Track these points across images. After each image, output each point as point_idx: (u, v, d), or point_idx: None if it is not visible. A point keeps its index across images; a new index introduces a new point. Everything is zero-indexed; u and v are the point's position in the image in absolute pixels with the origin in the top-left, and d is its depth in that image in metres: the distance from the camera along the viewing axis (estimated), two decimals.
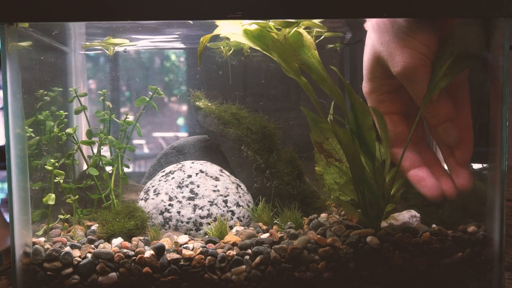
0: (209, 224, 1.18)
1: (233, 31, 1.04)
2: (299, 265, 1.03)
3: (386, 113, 1.11)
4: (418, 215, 1.14)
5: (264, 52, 1.05)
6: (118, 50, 1.52)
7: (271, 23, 1.04)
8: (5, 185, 1.72)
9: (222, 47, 1.42)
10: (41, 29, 1.18)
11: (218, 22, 1.05)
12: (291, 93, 1.61)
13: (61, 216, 1.16)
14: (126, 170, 1.33)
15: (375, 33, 1.08)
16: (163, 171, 1.32)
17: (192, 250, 1.03)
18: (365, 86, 1.14)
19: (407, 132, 1.11)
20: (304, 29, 1.11)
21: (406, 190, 1.21)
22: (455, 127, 1.05)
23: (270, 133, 1.32)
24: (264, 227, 1.17)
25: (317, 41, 1.31)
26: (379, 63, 1.08)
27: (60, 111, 1.27)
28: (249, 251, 1.04)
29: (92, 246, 1.06)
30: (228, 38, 1.33)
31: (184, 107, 1.68)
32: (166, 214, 1.19)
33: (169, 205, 1.20)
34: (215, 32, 1.05)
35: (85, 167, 1.39)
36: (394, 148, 1.11)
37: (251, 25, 1.04)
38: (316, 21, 1.11)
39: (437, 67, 1.01)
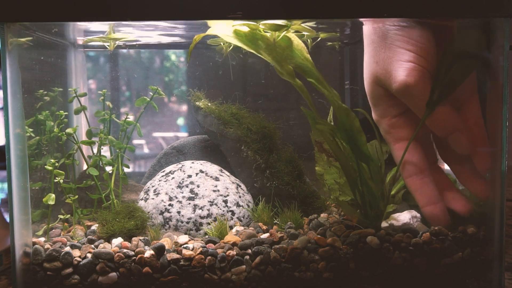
0: (209, 224, 1.18)
1: (226, 32, 1.04)
2: (299, 265, 1.03)
3: (400, 139, 1.05)
4: (419, 215, 1.14)
5: (259, 55, 1.06)
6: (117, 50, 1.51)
7: (261, 26, 1.04)
8: (5, 185, 1.73)
9: (222, 43, 1.42)
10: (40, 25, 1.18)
11: (210, 23, 1.05)
12: (291, 92, 1.61)
13: (61, 216, 1.15)
14: (126, 170, 1.33)
15: (369, 53, 1.03)
16: (163, 171, 1.32)
17: (192, 250, 1.03)
18: (374, 113, 1.08)
19: (425, 159, 1.04)
20: (295, 32, 1.11)
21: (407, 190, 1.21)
22: (465, 136, 1.00)
23: (270, 133, 1.32)
24: (264, 227, 1.17)
25: (314, 42, 1.31)
26: (379, 85, 1.03)
27: (60, 111, 1.27)
28: (249, 251, 1.04)
29: (92, 246, 1.06)
30: None
31: (184, 107, 1.68)
32: (166, 214, 1.19)
33: (169, 205, 1.20)
34: (208, 32, 1.05)
35: (85, 167, 1.39)
36: (411, 178, 1.04)
37: (241, 26, 1.04)
38: (309, 24, 1.11)
39: (440, 75, 0.97)
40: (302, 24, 1.09)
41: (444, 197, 1.06)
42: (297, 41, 1.08)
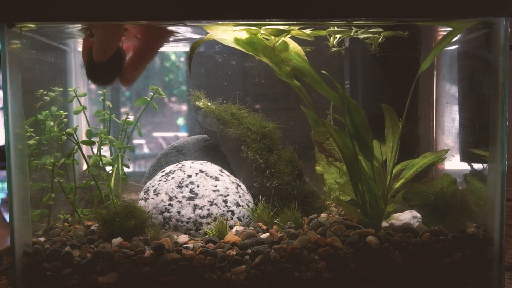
0: (209, 224, 1.18)
1: (224, 37, 1.05)
2: (299, 265, 1.03)
3: None
4: (419, 215, 1.14)
5: (256, 57, 1.06)
6: None
7: (262, 31, 1.05)
8: (5, 185, 1.72)
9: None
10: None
11: (209, 29, 1.06)
12: (291, 92, 1.61)
13: (61, 216, 1.15)
14: (126, 170, 1.33)
15: None
16: (163, 171, 1.32)
17: (192, 250, 1.03)
18: None
19: None
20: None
21: (407, 190, 1.22)
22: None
23: (270, 133, 1.32)
24: (264, 227, 1.17)
25: (378, 43, 1.29)
26: None
27: (60, 111, 1.26)
28: (249, 251, 1.04)
29: (92, 246, 1.06)
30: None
31: (184, 107, 1.68)
32: (166, 214, 1.19)
33: (169, 205, 1.20)
34: (206, 38, 1.05)
35: (85, 167, 1.39)
36: None
37: (241, 32, 1.05)
38: (307, 30, 1.12)
39: None
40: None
41: None
42: (293, 45, 1.09)
